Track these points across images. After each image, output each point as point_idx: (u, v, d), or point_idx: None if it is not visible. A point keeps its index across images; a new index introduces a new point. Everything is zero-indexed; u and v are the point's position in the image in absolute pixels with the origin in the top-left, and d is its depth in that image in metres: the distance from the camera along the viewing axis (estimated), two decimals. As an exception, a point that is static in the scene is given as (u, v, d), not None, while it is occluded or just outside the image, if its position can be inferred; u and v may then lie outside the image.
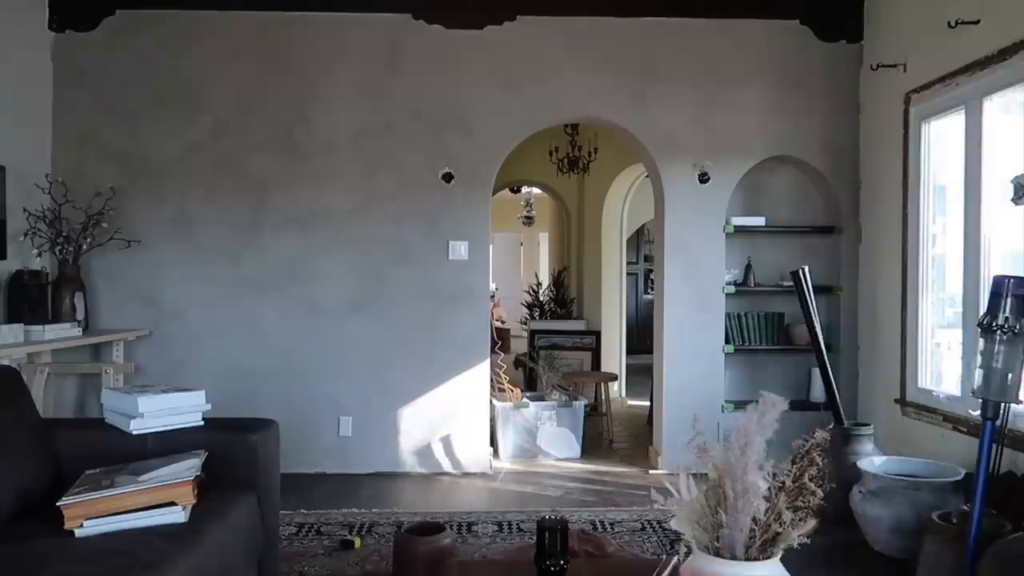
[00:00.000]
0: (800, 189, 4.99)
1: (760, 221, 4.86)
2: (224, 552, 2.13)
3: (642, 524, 3.76)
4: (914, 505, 3.11)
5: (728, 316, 4.83)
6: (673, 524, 1.61)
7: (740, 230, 4.81)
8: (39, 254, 4.25)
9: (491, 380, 4.96)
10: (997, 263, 3.48)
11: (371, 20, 4.70)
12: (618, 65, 4.74)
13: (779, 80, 4.76)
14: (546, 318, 8.45)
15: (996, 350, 2.66)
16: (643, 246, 11.39)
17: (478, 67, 4.72)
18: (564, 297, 8.76)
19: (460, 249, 4.72)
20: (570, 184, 8.09)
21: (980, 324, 2.74)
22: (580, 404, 5.25)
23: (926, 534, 2.83)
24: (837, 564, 3.22)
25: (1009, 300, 2.64)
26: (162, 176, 4.66)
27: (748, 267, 4.89)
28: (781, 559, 1.55)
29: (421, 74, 4.71)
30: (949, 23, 3.63)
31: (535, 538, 1.98)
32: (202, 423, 2.53)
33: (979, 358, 2.74)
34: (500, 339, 6.68)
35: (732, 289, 4.80)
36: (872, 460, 3.49)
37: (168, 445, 2.40)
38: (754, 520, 1.51)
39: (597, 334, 7.12)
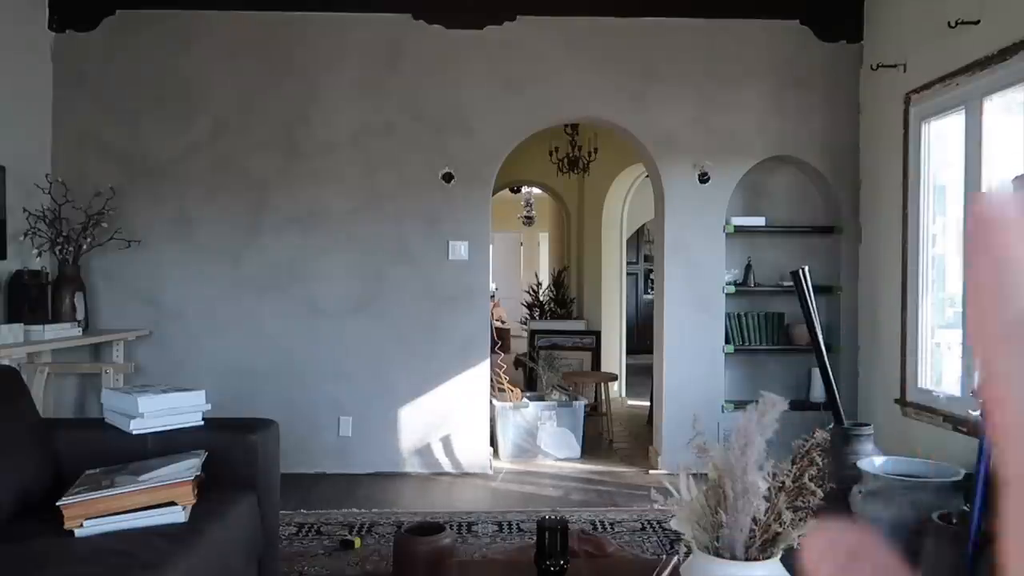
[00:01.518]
0: (800, 189, 4.99)
1: (760, 221, 4.86)
2: (224, 552, 2.14)
3: (642, 524, 3.75)
4: (914, 505, 3.11)
5: (728, 316, 4.83)
6: (673, 524, 1.61)
7: (740, 230, 4.81)
8: (39, 254, 4.25)
9: (491, 380, 4.96)
10: (997, 263, 3.47)
11: (371, 20, 4.70)
12: (618, 65, 4.74)
13: (779, 80, 4.76)
14: (546, 318, 8.45)
15: (996, 350, 2.66)
16: (643, 246, 11.39)
17: (478, 67, 4.72)
18: (564, 297, 8.76)
19: (460, 249, 4.72)
20: (570, 184, 8.09)
21: (980, 324, 2.74)
22: (580, 404, 5.24)
23: (926, 534, 2.83)
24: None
25: (1009, 300, 2.64)
26: (162, 176, 4.66)
27: (748, 267, 4.89)
28: (781, 559, 1.55)
29: (421, 74, 4.71)
30: (949, 23, 3.63)
31: (535, 538, 1.98)
32: (202, 423, 2.53)
33: (979, 358, 2.74)
34: (500, 339, 6.68)
35: (732, 289, 4.79)
36: (872, 460, 3.48)
37: (168, 445, 2.40)
38: (754, 520, 1.52)
39: (597, 334, 7.12)
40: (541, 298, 9.47)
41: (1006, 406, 0.21)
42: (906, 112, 4.16)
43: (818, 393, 4.59)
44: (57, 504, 1.96)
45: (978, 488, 2.65)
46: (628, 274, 8.56)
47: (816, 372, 4.49)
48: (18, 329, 3.69)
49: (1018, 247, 0.21)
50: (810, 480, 1.57)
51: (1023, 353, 0.20)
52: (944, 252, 3.99)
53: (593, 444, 5.45)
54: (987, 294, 0.21)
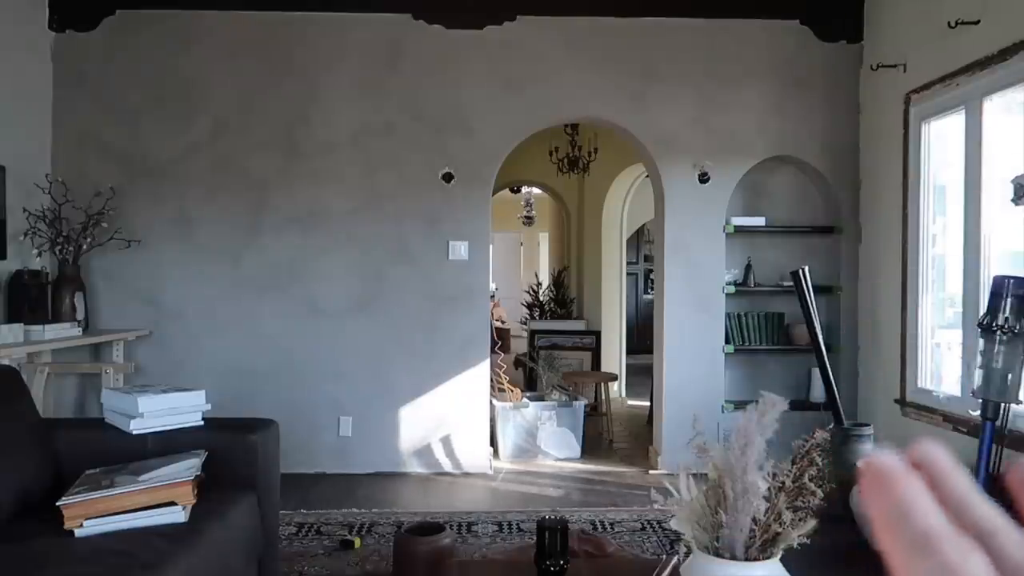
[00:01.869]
0: (800, 189, 4.99)
1: (760, 221, 4.86)
2: (224, 552, 2.14)
3: (642, 524, 3.76)
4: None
5: (728, 316, 4.83)
6: (673, 524, 1.61)
7: (740, 230, 4.81)
8: (39, 254, 4.25)
9: (491, 380, 4.96)
10: (997, 263, 3.48)
11: (371, 20, 4.70)
12: (618, 65, 4.74)
13: (779, 80, 4.76)
14: (546, 318, 8.45)
15: (996, 350, 2.66)
16: (643, 246, 11.39)
17: (478, 67, 4.72)
18: (564, 297, 8.76)
19: (460, 249, 4.72)
20: (570, 184, 8.09)
21: (980, 324, 2.74)
22: (580, 404, 5.24)
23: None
24: (837, 564, 3.21)
25: (1009, 300, 2.64)
26: (162, 176, 4.66)
27: (748, 267, 4.89)
28: (781, 559, 1.55)
29: (421, 74, 4.71)
30: (949, 23, 3.63)
31: (535, 538, 1.98)
32: (202, 423, 2.53)
33: (979, 358, 2.74)
34: (500, 339, 6.68)
35: (732, 289, 4.79)
36: (872, 460, 3.48)
37: (168, 445, 2.40)
38: (754, 520, 1.52)
39: (597, 334, 7.12)
40: (541, 298, 9.47)
41: None
42: (906, 112, 4.16)
43: (818, 393, 4.59)
44: (57, 504, 1.96)
45: (978, 488, 2.64)
46: (628, 274, 8.56)
47: (816, 372, 4.49)
48: (18, 329, 3.69)
49: (905, 489, 0.26)
50: (810, 480, 1.57)
51: (932, 558, 0.25)
52: (944, 252, 3.99)
53: (593, 444, 5.45)
54: (890, 525, 0.26)
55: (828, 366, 4.08)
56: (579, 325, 7.55)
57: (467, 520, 3.77)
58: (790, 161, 4.89)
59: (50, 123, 4.62)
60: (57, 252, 4.29)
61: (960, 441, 3.55)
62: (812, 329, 4.07)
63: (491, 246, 4.96)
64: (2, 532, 1.98)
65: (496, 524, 3.72)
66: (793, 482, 1.57)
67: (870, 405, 4.59)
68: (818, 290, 4.43)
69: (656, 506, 1.66)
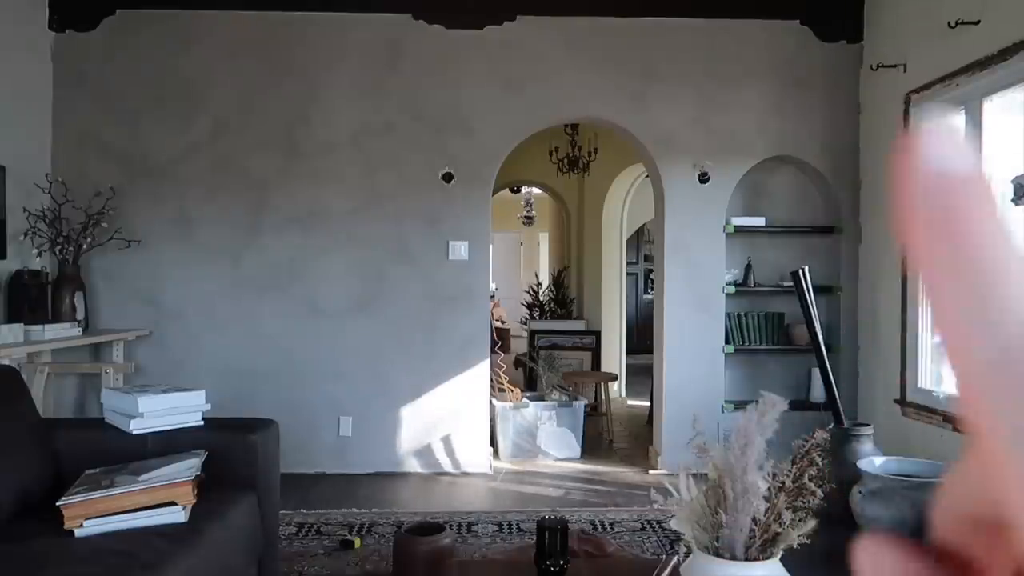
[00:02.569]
0: (800, 189, 4.99)
1: (760, 221, 4.85)
2: (224, 552, 2.14)
3: (642, 524, 3.75)
4: (914, 505, 3.11)
5: (728, 316, 4.83)
6: (673, 524, 1.61)
7: (740, 230, 4.81)
8: (39, 254, 4.25)
9: (491, 380, 4.96)
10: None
11: (371, 20, 4.70)
12: (618, 65, 4.73)
13: (779, 80, 4.76)
14: (546, 318, 8.45)
15: (996, 350, 2.66)
16: (643, 246, 11.38)
17: (478, 67, 4.72)
18: (564, 297, 8.76)
19: (460, 249, 4.72)
20: (570, 184, 8.09)
21: (980, 324, 2.74)
22: (580, 404, 5.24)
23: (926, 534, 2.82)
24: (837, 564, 3.21)
25: (1009, 300, 2.64)
26: (162, 176, 4.66)
27: (748, 267, 4.89)
28: (781, 559, 1.55)
29: (421, 74, 4.71)
30: (949, 23, 3.63)
31: (535, 538, 1.98)
32: (202, 423, 2.53)
33: (979, 358, 2.74)
34: (500, 339, 6.68)
35: (732, 289, 4.79)
36: (872, 460, 3.48)
37: (168, 445, 2.40)
38: (754, 520, 1.52)
39: (597, 334, 7.12)
40: (541, 298, 9.47)
41: (992, 444, 0.15)
42: (906, 112, 4.16)
43: (818, 393, 4.59)
44: (57, 504, 1.96)
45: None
46: (628, 274, 8.56)
47: (816, 372, 4.49)
48: (18, 329, 3.69)
49: (981, 219, 0.13)
50: (810, 480, 1.57)
51: (1014, 387, 0.14)
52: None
53: (593, 444, 5.44)
54: (957, 311, 0.14)
55: (828, 366, 4.08)
56: (579, 325, 7.55)
57: (467, 520, 3.77)
58: (790, 161, 4.89)
59: (50, 123, 4.62)
60: (57, 252, 4.29)
61: (960, 441, 3.55)
62: (812, 329, 4.07)
63: (491, 246, 4.96)
64: (2, 532, 1.98)
65: (496, 524, 3.72)
66: (793, 482, 1.57)
67: (870, 405, 4.58)
68: (818, 290, 4.42)
69: (656, 506, 1.66)
